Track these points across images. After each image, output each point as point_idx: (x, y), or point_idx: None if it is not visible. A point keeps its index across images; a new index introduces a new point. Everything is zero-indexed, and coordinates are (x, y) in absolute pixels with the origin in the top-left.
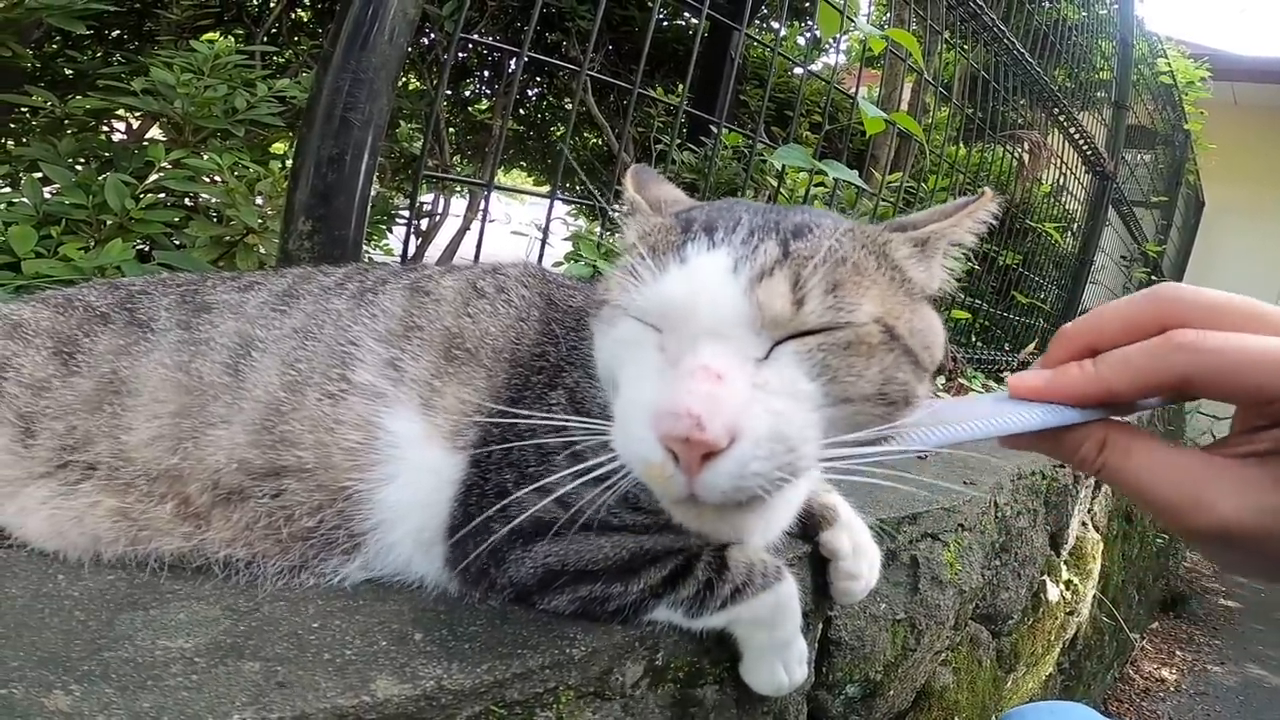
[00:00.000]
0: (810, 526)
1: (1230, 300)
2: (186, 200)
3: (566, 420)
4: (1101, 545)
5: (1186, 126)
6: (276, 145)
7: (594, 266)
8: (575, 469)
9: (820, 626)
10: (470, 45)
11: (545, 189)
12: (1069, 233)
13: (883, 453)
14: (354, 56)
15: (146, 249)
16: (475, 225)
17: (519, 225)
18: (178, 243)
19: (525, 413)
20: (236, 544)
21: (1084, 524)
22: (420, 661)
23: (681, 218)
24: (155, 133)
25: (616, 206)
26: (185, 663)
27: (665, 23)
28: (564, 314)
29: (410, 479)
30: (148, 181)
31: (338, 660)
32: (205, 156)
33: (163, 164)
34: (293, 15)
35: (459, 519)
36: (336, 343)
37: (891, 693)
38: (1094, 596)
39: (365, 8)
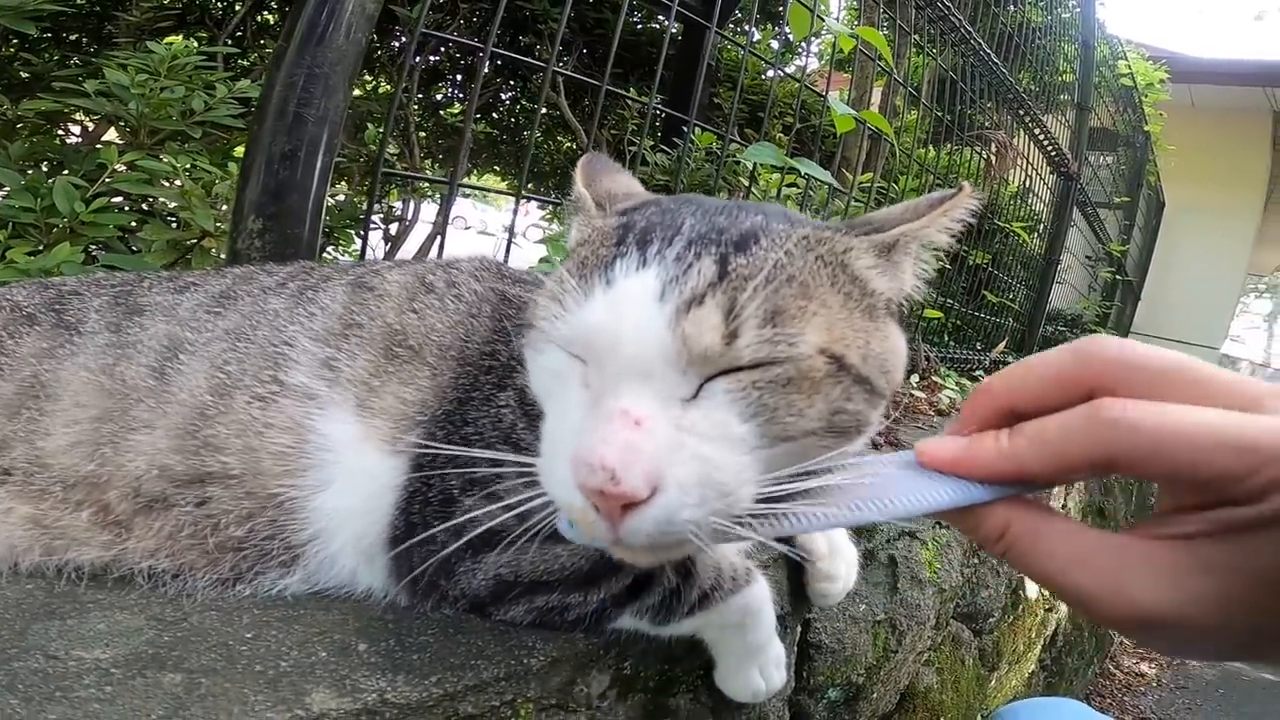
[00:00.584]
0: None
1: (1164, 360)
2: (144, 205)
3: (497, 455)
4: None
5: (1146, 128)
6: (237, 150)
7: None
8: (508, 502)
9: (799, 629)
10: (442, 49)
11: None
12: (1036, 233)
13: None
14: (309, 51)
15: (98, 254)
16: (449, 232)
17: (497, 230)
18: (134, 247)
19: (455, 449)
20: (160, 554)
21: None
22: (363, 674)
23: (620, 223)
24: (112, 135)
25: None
26: (100, 674)
27: (640, 25)
28: (518, 310)
29: (346, 484)
30: (99, 184)
31: (270, 672)
32: (161, 159)
33: (116, 166)
34: (258, 18)
35: (400, 528)
36: (270, 344)
37: (875, 695)
38: None
39: (322, 2)
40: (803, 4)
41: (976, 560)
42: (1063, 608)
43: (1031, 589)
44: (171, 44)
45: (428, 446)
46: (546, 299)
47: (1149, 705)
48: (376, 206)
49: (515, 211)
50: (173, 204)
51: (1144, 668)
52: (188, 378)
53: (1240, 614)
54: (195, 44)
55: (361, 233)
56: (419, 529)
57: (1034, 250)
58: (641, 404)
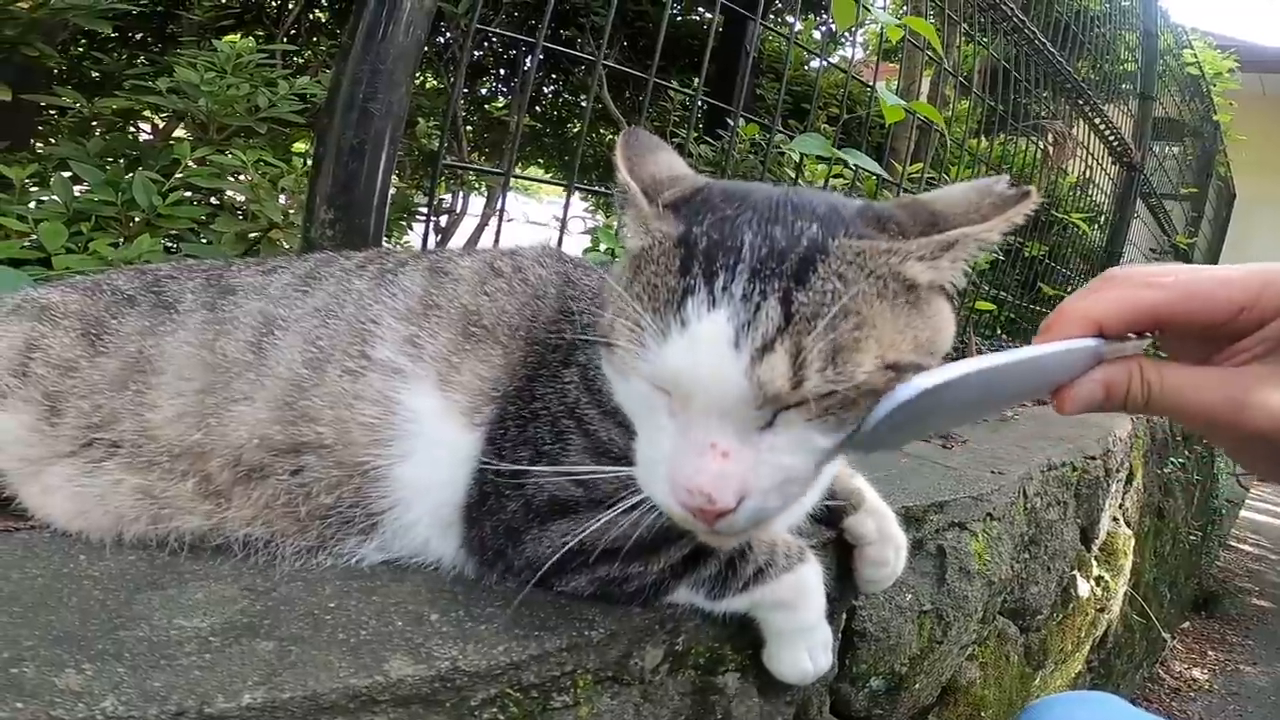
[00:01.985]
0: (835, 512)
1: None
2: (212, 199)
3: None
4: (1133, 541)
5: (1215, 118)
6: (297, 144)
7: (612, 253)
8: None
9: (844, 617)
10: (486, 43)
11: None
12: (1096, 225)
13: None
14: (372, 47)
15: (174, 245)
16: (493, 222)
17: (538, 222)
18: (204, 239)
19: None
20: (256, 522)
21: (1115, 519)
22: (436, 642)
23: (679, 236)
24: (180, 132)
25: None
26: (200, 642)
27: (679, 17)
28: (580, 293)
29: (427, 455)
30: (174, 179)
31: (352, 640)
32: (229, 154)
33: (188, 161)
34: (310, 16)
35: (474, 497)
36: (357, 320)
37: (917, 686)
38: (1125, 593)
39: (382, 1)
40: None
41: (1027, 555)
42: (1115, 608)
43: (1084, 588)
44: (235, 43)
45: (503, 422)
46: (625, 326)
47: (1197, 711)
48: (426, 198)
49: (566, 204)
50: (241, 197)
51: (1196, 673)
52: (283, 352)
53: None
54: (254, 42)
55: (415, 223)
56: (491, 498)
57: (1094, 242)
58: (726, 438)
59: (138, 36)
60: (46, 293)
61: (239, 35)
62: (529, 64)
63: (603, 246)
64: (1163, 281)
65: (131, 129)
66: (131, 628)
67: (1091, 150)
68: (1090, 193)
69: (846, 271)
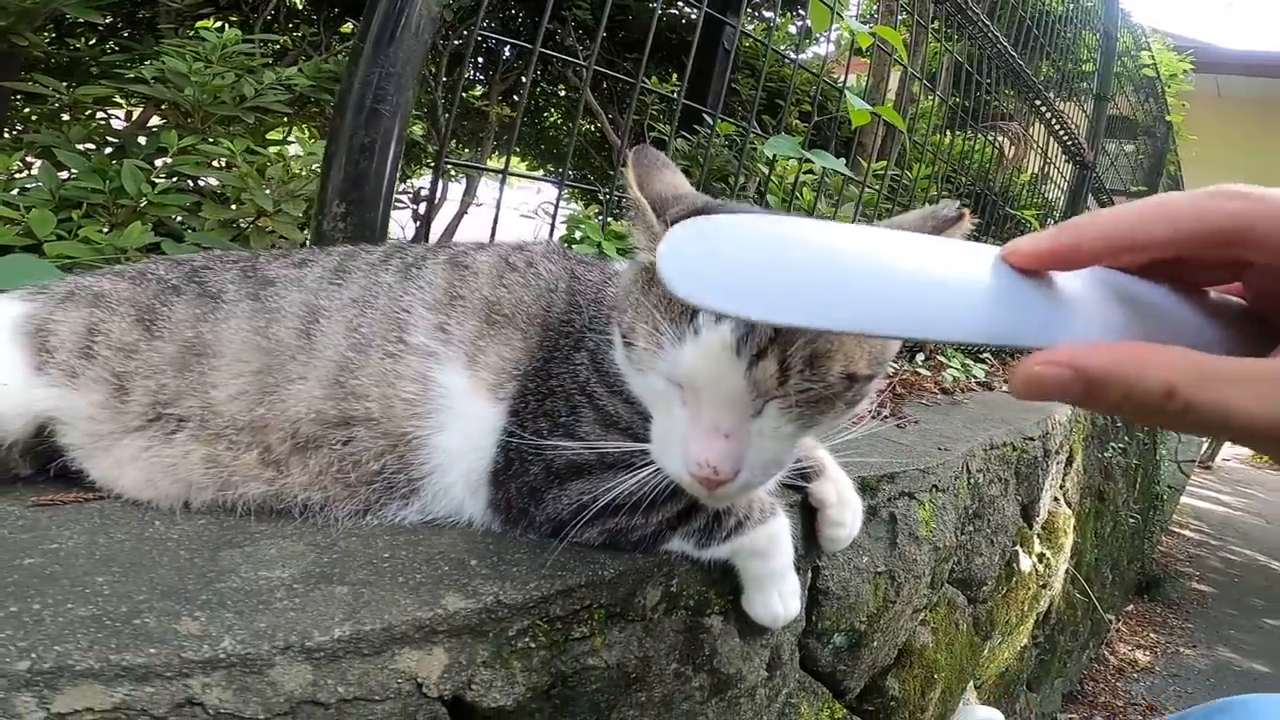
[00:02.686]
0: (803, 478)
1: None
2: (197, 186)
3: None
4: (1073, 521)
5: (1168, 118)
6: (274, 132)
7: (599, 246)
8: (590, 444)
9: (809, 575)
10: (465, 34)
11: (538, 173)
12: (1050, 220)
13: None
14: (383, 51)
15: (157, 233)
16: (471, 210)
17: (507, 208)
18: (188, 226)
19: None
20: (312, 488)
21: (1056, 499)
22: (478, 582)
23: None
24: (155, 120)
25: (616, 192)
26: (286, 589)
27: (659, 12)
28: (586, 287)
29: (459, 427)
30: (161, 166)
31: (410, 582)
32: (211, 142)
33: (174, 150)
34: (287, 2)
35: (500, 463)
36: (391, 310)
37: (875, 644)
38: (1066, 571)
39: (392, 4)
40: (824, 3)
41: (971, 528)
42: (1056, 584)
43: (1025, 562)
44: (219, 30)
45: (523, 397)
46: (645, 330)
47: (1140, 691)
48: (403, 187)
49: (558, 198)
50: (229, 186)
51: (1138, 654)
52: (329, 337)
53: None
54: (238, 31)
55: (394, 210)
56: (515, 463)
57: None
58: (728, 422)
59: (107, 22)
60: (96, 281)
61: (215, 22)
62: (515, 65)
63: (578, 234)
64: (1244, 193)
65: (103, 116)
66: (224, 580)
67: (1047, 149)
68: (1045, 189)
69: None
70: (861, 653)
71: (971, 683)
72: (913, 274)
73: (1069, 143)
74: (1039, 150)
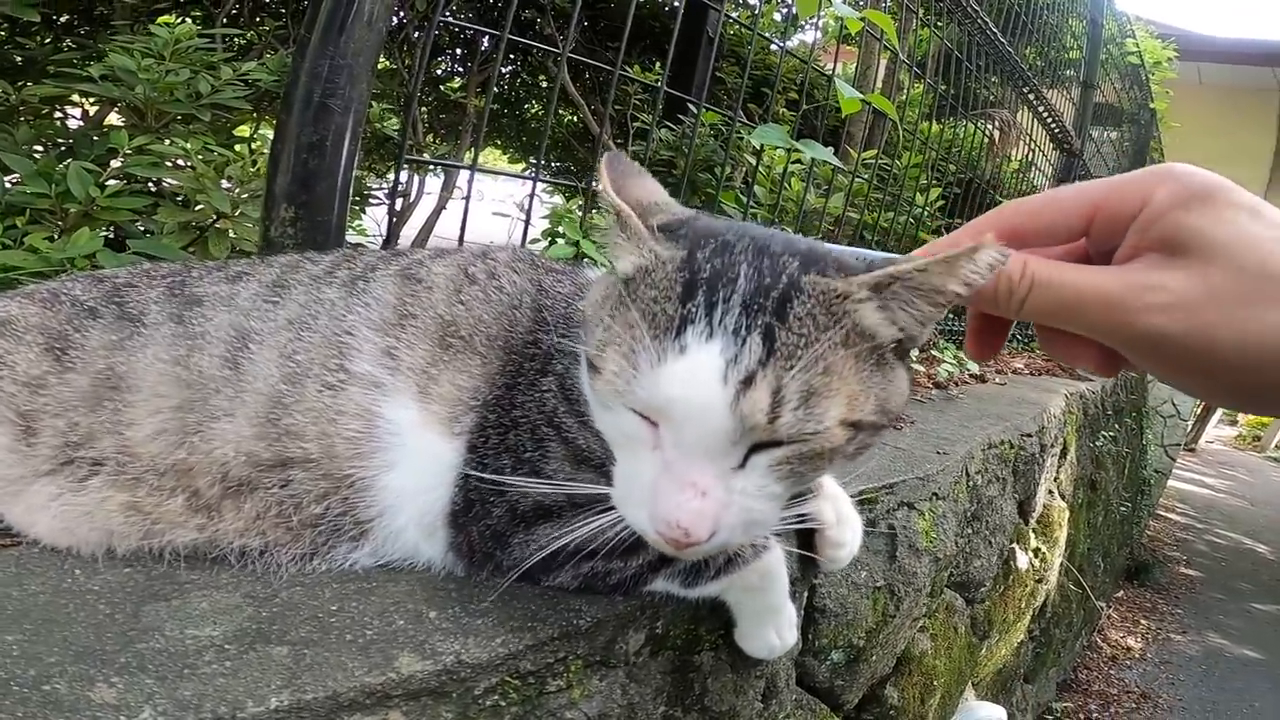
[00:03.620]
0: (796, 498)
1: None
2: (150, 186)
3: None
4: (1067, 513)
5: (1152, 105)
6: (240, 129)
7: (576, 245)
8: (558, 483)
9: (806, 594)
10: (444, 23)
11: (519, 166)
12: None
13: None
14: (332, 42)
15: (113, 237)
16: (450, 205)
17: (492, 202)
18: (144, 229)
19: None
20: (249, 533)
21: (1050, 492)
22: (438, 638)
23: (682, 261)
24: (113, 119)
25: (595, 187)
26: (216, 650)
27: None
28: (554, 300)
29: (410, 465)
30: (111, 168)
31: (360, 640)
32: (168, 142)
33: (125, 150)
34: None
35: (459, 504)
36: (332, 333)
37: (874, 658)
38: (1061, 564)
39: None
40: None
41: (970, 530)
42: (1051, 579)
43: (1022, 560)
44: (173, 26)
45: (483, 431)
46: (617, 351)
47: (1134, 679)
48: (380, 182)
49: (532, 193)
50: (185, 186)
51: (1130, 641)
52: (260, 367)
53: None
54: (193, 25)
55: (364, 210)
56: (476, 505)
57: None
58: (705, 477)
59: (63, 20)
60: (4, 305)
61: (175, 17)
62: (486, 47)
63: (561, 228)
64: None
65: (59, 116)
66: (147, 640)
67: (1034, 136)
68: (1032, 177)
69: (816, 311)
70: (860, 667)
71: (970, 682)
72: None
73: (1056, 130)
74: (1027, 138)
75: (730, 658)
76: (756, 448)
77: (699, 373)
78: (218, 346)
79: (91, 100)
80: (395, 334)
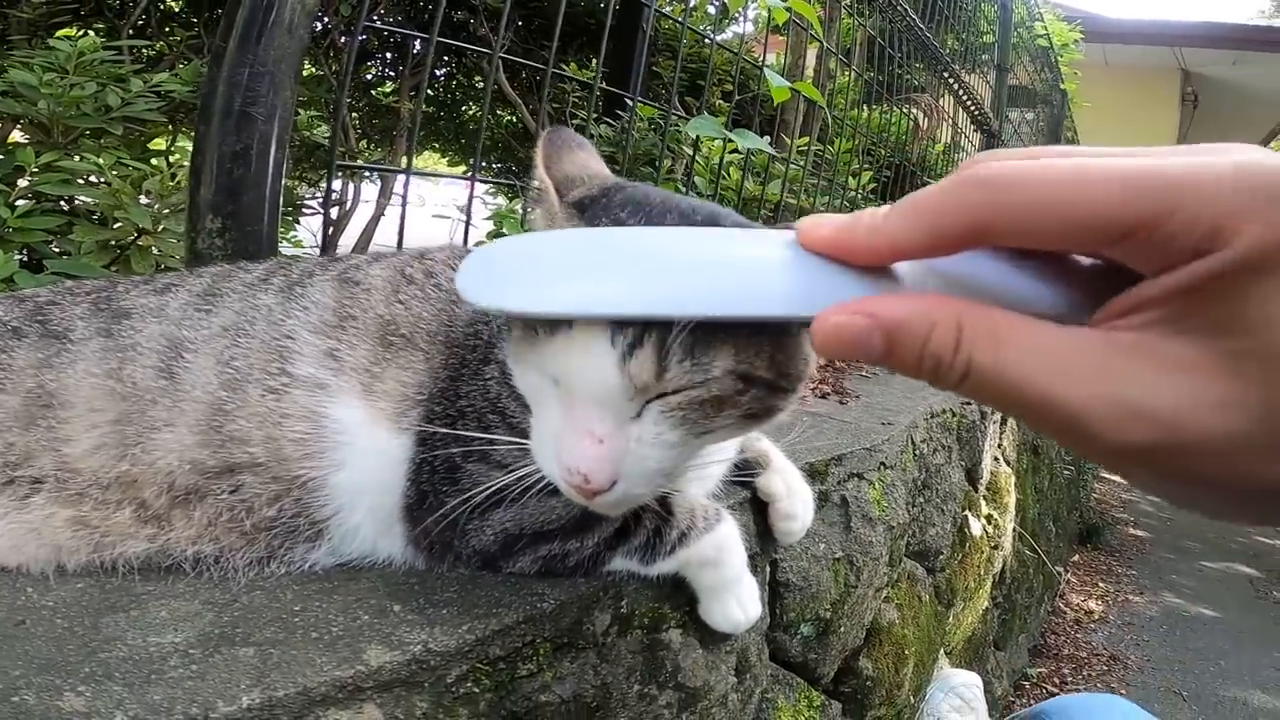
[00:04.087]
0: (749, 473)
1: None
2: (63, 205)
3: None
4: (1014, 479)
5: (1063, 87)
6: (156, 141)
7: None
8: (508, 466)
9: (768, 570)
10: (372, 27)
11: (460, 169)
12: None
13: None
14: (250, 50)
15: (27, 260)
16: (389, 211)
17: (435, 206)
18: (61, 250)
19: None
20: (203, 540)
21: (995, 459)
22: (404, 630)
23: None
24: (16, 135)
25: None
26: (181, 655)
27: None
28: None
29: (360, 463)
30: (19, 188)
31: (326, 637)
32: (77, 158)
33: (32, 168)
34: (161, 6)
35: (412, 497)
36: (272, 338)
37: (843, 629)
38: (1014, 530)
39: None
40: None
41: (922, 499)
42: (1006, 544)
43: (975, 526)
44: (75, 39)
45: (430, 423)
46: (521, 322)
47: (1100, 641)
48: (313, 191)
49: (471, 194)
50: (101, 203)
51: (1091, 604)
52: (197, 375)
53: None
54: (96, 38)
55: (298, 219)
56: (429, 496)
57: None
58: (602, 425)
59: None
60: None
61: (76, 30)
62: (418, 50)
63: (504, 229)
64: (1014, 175)
65: None
66: (109, 649)
67: (957, 119)
68: (958, 159)
69: None
70: (830, 639)
71: (943, 650)
72: (695, 258)
73: (976, 113)
74: (950, 121)
75: (699, 634)
76: (652, 400)
77: (586, 340)
78: (150, 357)
79: None
80: (336, 335)
